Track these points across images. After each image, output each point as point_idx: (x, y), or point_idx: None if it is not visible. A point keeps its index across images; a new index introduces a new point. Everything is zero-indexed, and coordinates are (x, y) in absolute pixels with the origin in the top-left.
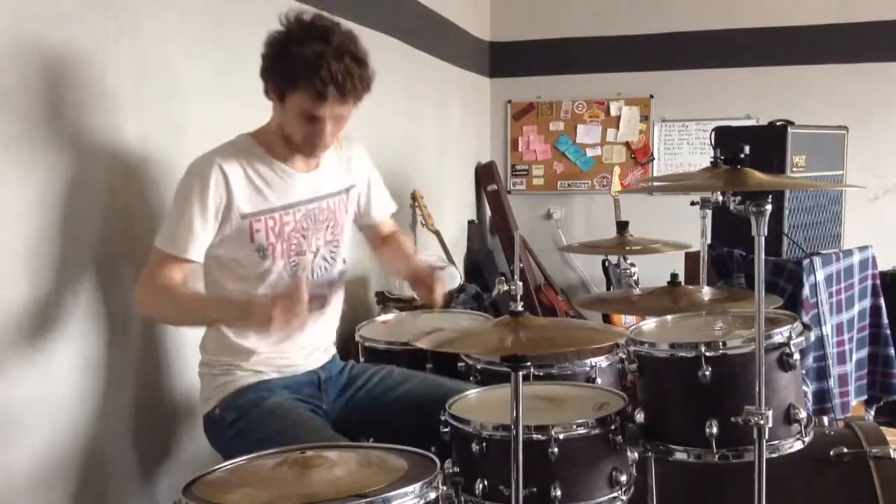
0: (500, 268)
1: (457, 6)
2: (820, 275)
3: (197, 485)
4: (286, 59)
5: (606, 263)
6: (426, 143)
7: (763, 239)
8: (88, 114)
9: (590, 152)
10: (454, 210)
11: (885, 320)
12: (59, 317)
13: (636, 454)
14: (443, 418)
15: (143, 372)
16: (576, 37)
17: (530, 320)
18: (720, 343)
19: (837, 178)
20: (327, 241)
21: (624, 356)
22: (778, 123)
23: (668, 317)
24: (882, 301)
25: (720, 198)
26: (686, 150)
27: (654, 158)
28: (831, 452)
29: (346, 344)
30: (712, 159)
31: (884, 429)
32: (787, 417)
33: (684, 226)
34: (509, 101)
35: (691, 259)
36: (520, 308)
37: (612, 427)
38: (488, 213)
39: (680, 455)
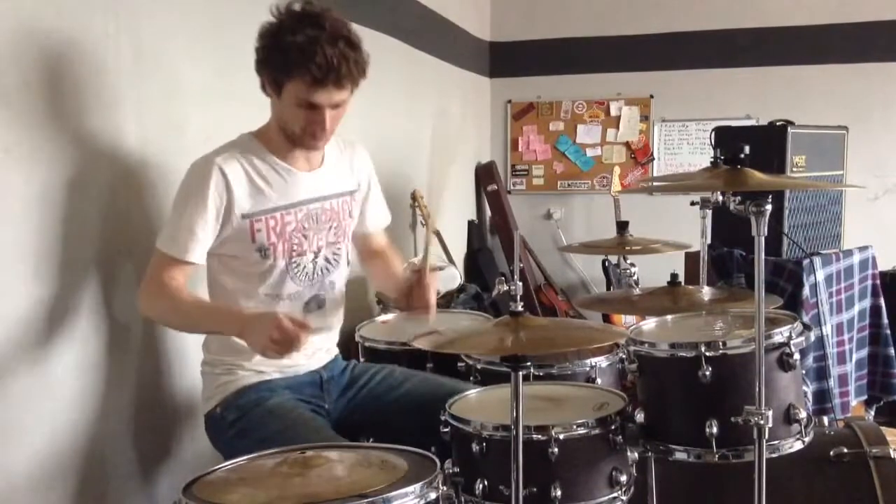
0: (500, 268)
1: (457, 6)
2: (820, 275)
3: (197, 485)
4: (280, 49)
5: (606, 263)
6: (426, 143)
7: (763, 239)
8: (89, 114)
9: (590, 152)
10: (454, 210)
11: (885, 320)
12: (60, 316)
13: (636, 454)
14: (443, 418)
15: (143, 372)
16: (576, 37)
17: (530, 320)
18: (720, 343)
19: (837, 178)
20: (330, 243)
21: (624, 356)
22: (778, 123)
23: (668, 317)
24: (882, 301)
25: (720, 198)
26: (686, 150)
27: (654, 158)
28: (831, 452)
29: (347, 344)
30: (712, 159)
31: (884, 429)
32: (787, 417)
33: (684, 226)
34: (509, 101)
35: (691, 259)
36: (520, 308)
37: (612, 427)
38: (488, 213)
39: (680, 455)
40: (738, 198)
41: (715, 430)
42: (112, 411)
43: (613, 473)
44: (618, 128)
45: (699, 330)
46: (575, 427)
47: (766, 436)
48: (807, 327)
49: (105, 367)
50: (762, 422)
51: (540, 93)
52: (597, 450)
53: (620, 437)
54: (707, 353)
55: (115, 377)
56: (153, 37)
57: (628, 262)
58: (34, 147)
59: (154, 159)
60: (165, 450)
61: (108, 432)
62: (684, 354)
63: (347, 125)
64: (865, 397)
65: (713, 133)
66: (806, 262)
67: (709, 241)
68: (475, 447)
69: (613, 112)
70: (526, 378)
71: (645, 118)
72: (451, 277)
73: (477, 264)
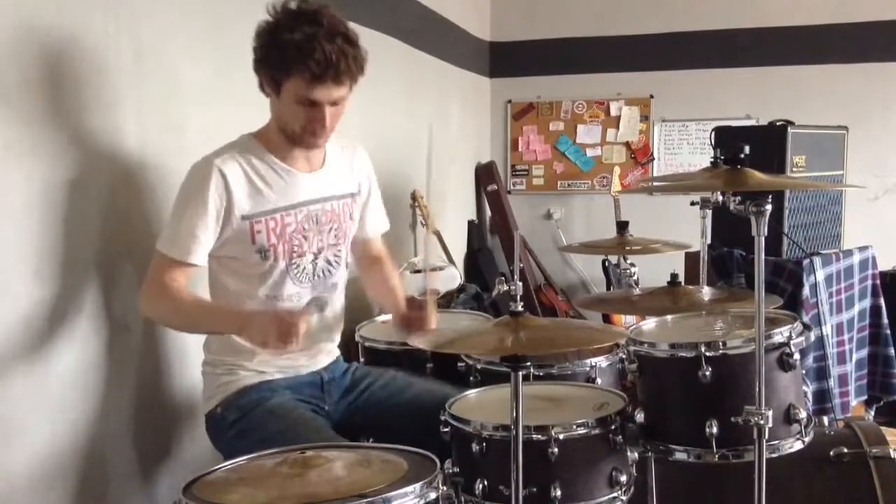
0: (500, 268)
1: (457, 6)
2: (820, 275)
3: (197, 485)
4: (278, 47)
5: (606, 263)
6: (426, 143)
7: (763, 239)
8: (89, 113)
9: (590, 152)
10: (454, 210)
11: (885, 320)
12: (60, 316)
13: (636, 454)
14: (443, 418)
15: (143, 372)
16: (576, 37)
17: (530, 320)
18: (720, 343)
19: (837, 178)
20: (330, 245)
21: (624, 356)
22: (778, 123)
23: (668, 317)
24: (882, 301)
25: (720, 198)
26: (686, 150)
27: (654, 158)
28: (831, 452)
29: (347, 344)
30: (712, 159)
31: (884, 429)
32: (787, 417)
33: (684, 226)
34: (509, 101)
35: (691, 259)
36: (520, 308)
37: (612, 427)
38: (488, 213)
39: (680, 455)
40: (738, 198)
41: (715, 430)
42: (112, 411)
43: (613, 473)
44: (618, 128)
45: (699, 330)
46: (575, 427)
47: (766, 436)
48: (807, 327)
49: (105, 368)
50: (762, 422)
51: (540, 93)
52: (597, 450)
53: (620, 437)
54: (707, 353)
55: (115, 377)
56: (153, 37)
57: (628, 262)
58: (34, 145)
59: (154, 159)
60: (165, 450)
61: (108, 432)
62: (684, 354)
63: (347, 125)
64: (865, 397)
65: (713, 133)
66: (806, 262)
67: (709, 241)
68: (475, 447)
69: (613, 112)
70: (526, 378)
71: (645, 118)
72: (451, 277)
73: (477, 264)
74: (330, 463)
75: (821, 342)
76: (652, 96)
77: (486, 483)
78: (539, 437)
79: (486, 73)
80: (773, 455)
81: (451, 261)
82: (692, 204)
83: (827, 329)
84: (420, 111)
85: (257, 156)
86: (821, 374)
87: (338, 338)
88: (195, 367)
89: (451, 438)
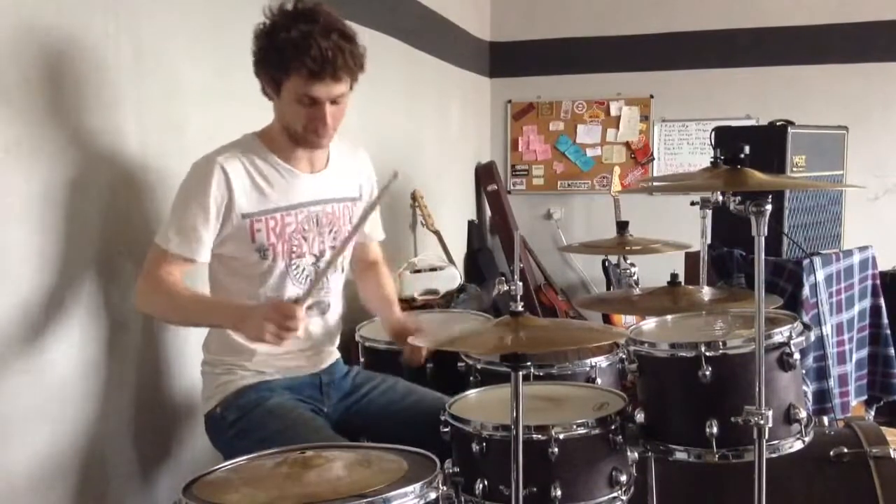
0: (500, 268)
1: (457, 6)
2: (820, 275)
3: (197, 485)
4: (275, 47)
5: (606, 263)
6: (426, 143)
7: (763, 239)
8: (89, 113)
9: (590, 152)
10: (454, 210)
11: (885, 320)
12: (60, 316)
13: (636, 454)
14: (443, 418)
15: (143, 372)
16: (576, 37)
17: (530, 320)
18: (720, 343)
19: (837, 178)
20: (330, 247)
21: (624, 356)
22: (778, 123)
23: (668, 317)
24: (882, 301)
25: (720, 198)
26: (686, 150)
27: (654, 158)
28: (831, 452)
29: (347, 344)
30: (712, 159)
31: (884, 429)
32: (787, 417)
33: (684, 226)
34: (509, 101)
35: (691, 259)
36: (520, 308)
37: (612, 427)
38: (488, 213)
39: (680, 455)
40: (738, 198)
41: (715, 430)
42: (112, 411)
43: (613, 473)
44: (618, 128)
45: (699, 330)
46: (575, 427)
47: (766, 436)
48: (807, 327)
49: (105, 368)
50: (762, 422)
51: (540, 93)
52: (597, 450)
53: (620, 437)
54: (707, 353)
55: (115, 377)
56: (153, 37)
57: (628, 262)
58: (34, 145)
59: (154, 160)
60: (165, 450)
61: (108, 432)
62: (684, 354)
63: (347, 124)
64: (865, 397)
65: (713, 133)
66: (806, 262)
67: (709, 241)
68: (475, 447)
69: (613, 112)
70: (526, 378)
71: (645, 118)
72: (451, 277)
73: (477, 264)
74: (330, 463)
75: (821, 342)
76: (652, 96)
77: (486, 483)
78: (539, 436)
79: (486, 73)
80: (773, 455)
81: (451, 261)
82: (692, 204)
83: (827, 329)
84: (420, 111)
85: (260, 155)
86: (821, 374)
87: (337, 340)
88: (194, 367)
89: (451, 438)
